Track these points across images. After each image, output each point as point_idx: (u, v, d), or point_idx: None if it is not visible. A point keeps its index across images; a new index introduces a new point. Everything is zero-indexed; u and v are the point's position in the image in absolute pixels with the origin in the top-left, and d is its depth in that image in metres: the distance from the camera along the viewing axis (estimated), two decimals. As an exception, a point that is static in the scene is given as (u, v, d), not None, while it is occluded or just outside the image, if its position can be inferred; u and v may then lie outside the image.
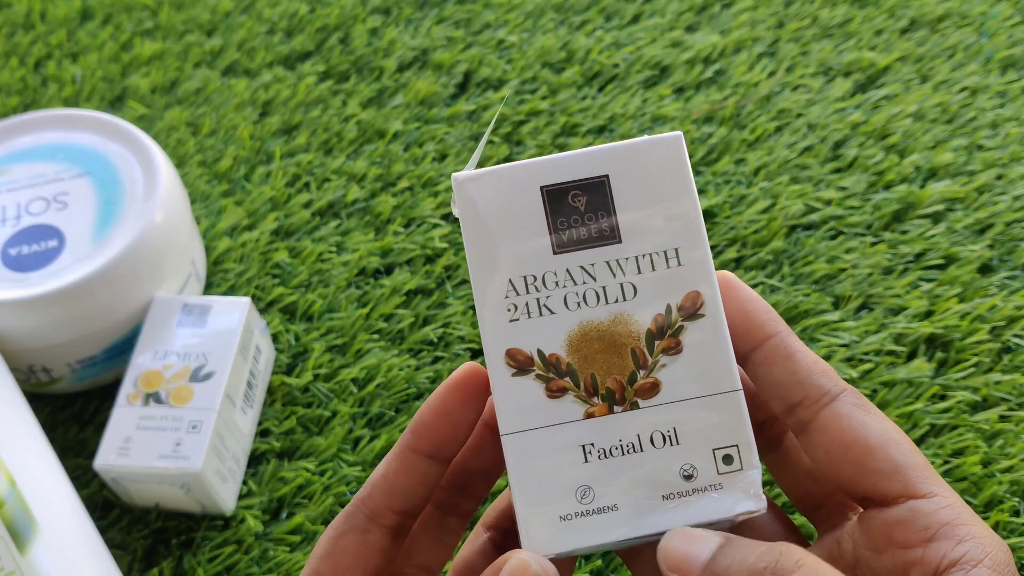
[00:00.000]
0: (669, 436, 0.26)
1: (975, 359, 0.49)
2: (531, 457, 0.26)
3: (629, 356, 0.26)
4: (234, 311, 0.49)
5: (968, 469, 0.45)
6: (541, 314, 0.26)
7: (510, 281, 0.26)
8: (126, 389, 0.46)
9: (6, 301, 0.47)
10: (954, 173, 0.57)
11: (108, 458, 0.44)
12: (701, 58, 0.64)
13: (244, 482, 0.48)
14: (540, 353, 0.26)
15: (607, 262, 0.26)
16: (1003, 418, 0.47)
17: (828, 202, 0.56)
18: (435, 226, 0.57)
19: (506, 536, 0.29)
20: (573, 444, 0.26)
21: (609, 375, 0.26)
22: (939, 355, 0.49)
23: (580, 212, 0.26)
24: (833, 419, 0.26)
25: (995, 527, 0.43)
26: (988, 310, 0.51)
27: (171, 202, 0.50)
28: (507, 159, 0.60)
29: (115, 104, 0.65)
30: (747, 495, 0.26)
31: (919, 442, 0.47)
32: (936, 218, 0.55)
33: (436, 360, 0.51)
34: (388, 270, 0.56)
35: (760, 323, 0.27)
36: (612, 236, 0.26)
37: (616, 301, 0.26)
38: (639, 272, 0.26)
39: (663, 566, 0.24)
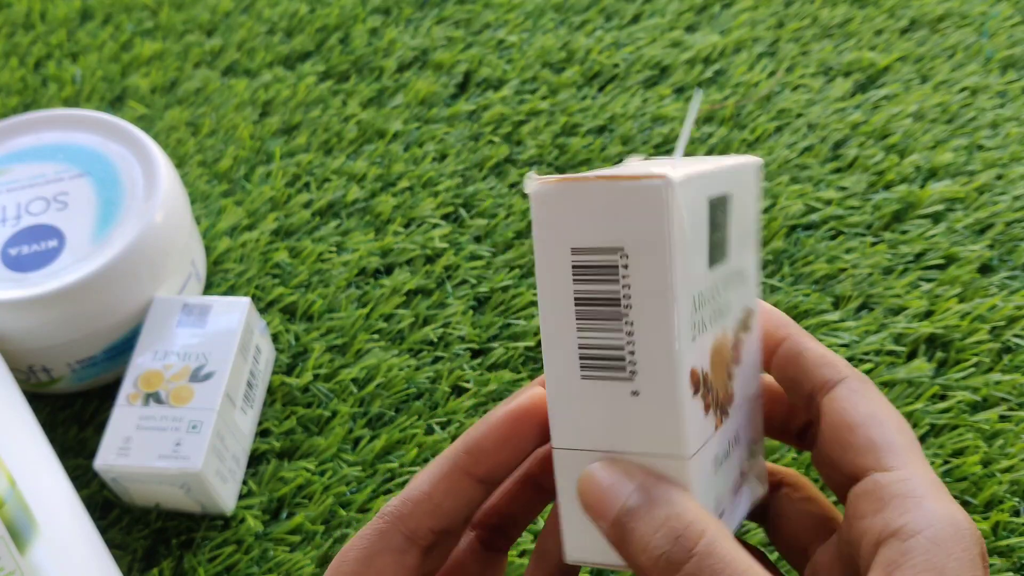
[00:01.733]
0: (735, 439, 0.27)
1: (975, 359, 0.49)
2: (706, 476, 0.25)
3: (726, 368, 0.26)
4: (234, 311, 0.49)
5: (968, 469, 0.45)
6: (702, 331, 0.25)
7: (694, 298, 0.24)
8: (126, 389, 0.46)
9: (6, 301, 0.47)
10: (954, 173, 0.57)
11: (108, 458, 0.44)
12: (701, 58, 0.64)
13: (244, 482, 0.48)
14: (702, 370, 0.25)
15: (723, 278, 0.26)
16: (1003, 418, 0.47)
17: (828, 202, 0.56)
18: (435, 226, 0.57)
19: (492, 533, 0.29)
20: (713, 457, 0.25)
21: (721, 387, 0.26)
22: (939, 355, 0.49)
23: (719, 227, 0.25)
24: (829, 403, 0.26)
25: (995, 527, 0.43)
26: (988, 310, 0.51)
27: (171, 202, 0.50)
28: (507, 160, 0.60)
29: (115, 104, 0.65)
30: (760, 481, 0.28)
31: (919, 442, 0.47)
32: (936, 218, 0.55)
33: (436, 360, 0.51)
34: (388, 270, 0.55)
35: (773, 330, 0.28)
36: (725, 253, 0.26)
37: (721, 316, 0.26)
38: (729, 288, 0.27)
39: (582, 494, 0.24)
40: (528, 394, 0.26)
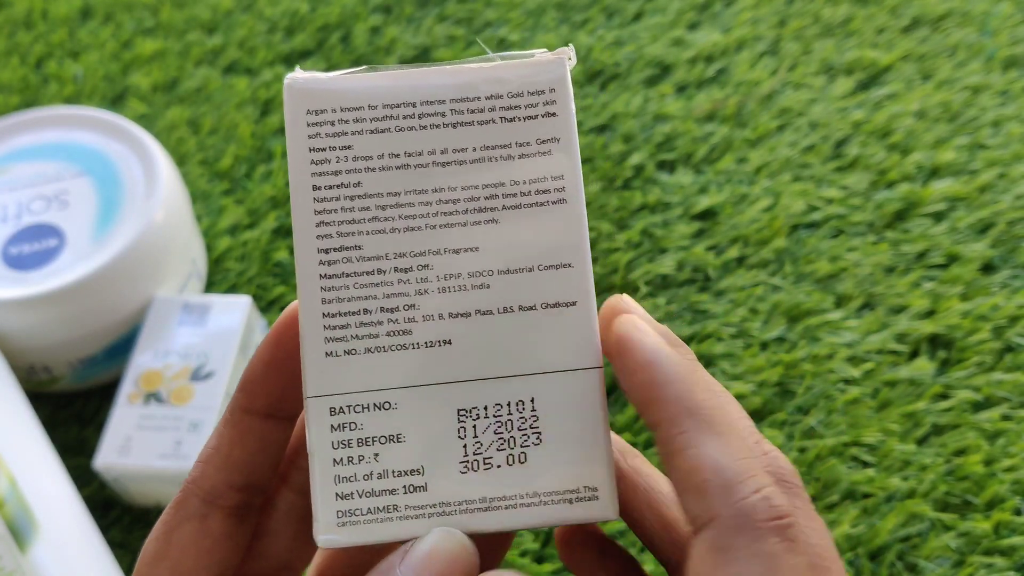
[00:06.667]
0: None
1: (977, 358, 0.49)
2: None
3: None
4: (235, 310, 0.49)
5: (970, 468, 0.45)
6: None
7: None
8: (126, 388, 0.46)
9: (7, 300, 0.47)
10: (956, 172, 0.57)
11: (108, 458, 0.44)
12: (703, 56, 0.64)
13: (245, 481, 0.48)
14: None
15: None
16: (1005, 417, 0.47)
17: (830, 201, 0.56)
18: (436, 225, 0.57)
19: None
20: None
21: None
22: (941, 354, 0.49)
23: None
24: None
25: (996, 526, 0.43)
26: (990, 309, 0.51)
27: (172, 201, 0.50)
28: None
29: (116, 103, 0.65)
30: None
31: (921, 441, 0.46)
32: (938, 217, 0.55)
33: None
34: (389, 269, 0.55)
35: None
36: None
37: None
38: None
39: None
40: (287, 309, 0.23)
